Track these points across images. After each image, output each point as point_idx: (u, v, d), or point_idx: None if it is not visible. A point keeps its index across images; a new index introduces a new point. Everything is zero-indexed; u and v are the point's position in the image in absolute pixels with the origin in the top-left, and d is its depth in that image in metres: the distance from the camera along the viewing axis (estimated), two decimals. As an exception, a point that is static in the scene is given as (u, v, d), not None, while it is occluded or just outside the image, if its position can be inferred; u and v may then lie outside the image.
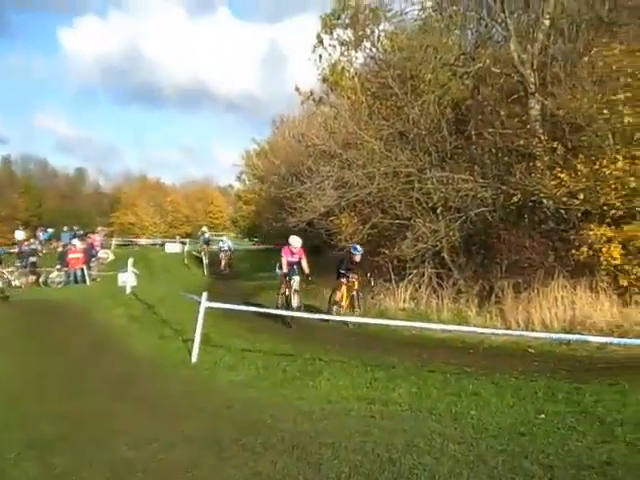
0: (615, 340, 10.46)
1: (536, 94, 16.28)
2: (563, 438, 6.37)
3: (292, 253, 16.76)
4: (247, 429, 7.09)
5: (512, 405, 7.88)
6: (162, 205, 74.05)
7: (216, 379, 10.43)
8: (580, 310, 13.49)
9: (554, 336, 11.64)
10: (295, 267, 16.93)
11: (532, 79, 16.43)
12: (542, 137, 15.59)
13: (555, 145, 15.08)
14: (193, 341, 11.85)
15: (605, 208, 13.91)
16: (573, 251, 14.31)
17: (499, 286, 15.14)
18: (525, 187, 15.43)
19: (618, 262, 13.54)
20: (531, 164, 15.78)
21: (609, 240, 13.57)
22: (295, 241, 16.86)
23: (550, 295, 14.14)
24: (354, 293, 17.17)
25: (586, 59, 15.06)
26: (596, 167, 13.93)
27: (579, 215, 14.63)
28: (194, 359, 11.61)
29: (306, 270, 16.81)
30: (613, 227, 13.77)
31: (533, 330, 13.33)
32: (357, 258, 16.97)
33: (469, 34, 20.40)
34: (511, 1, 17.60)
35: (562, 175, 14.43)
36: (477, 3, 19.22)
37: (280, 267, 16.87)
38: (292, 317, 15.03)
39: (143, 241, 58.70)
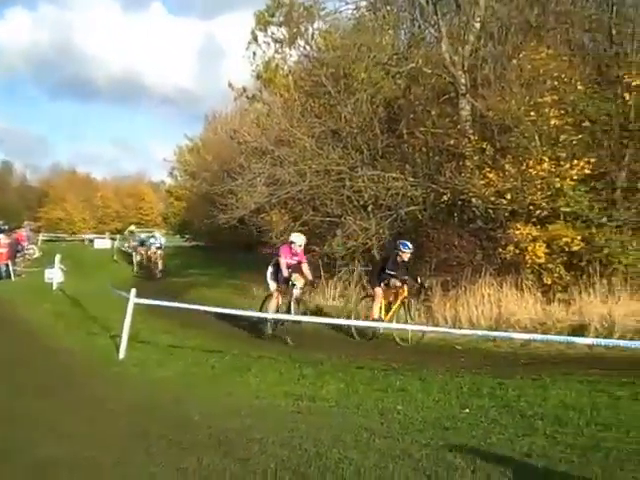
0: (538, 337, 10.70)
1: (467, 95, 16.57)
2: (486, 431, 6.47)
3: (292, 254, 13.97)
4: (175, 426, 6.99)
5: (438, 400, 7.97)
6: (92, 200, 72.51)
7: (144, 376, 10.25)
8: (506, 307, 13.73)
9: (480, 333, 11.84)
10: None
11: (463, 80, 16.71)
12: (472, 137, 15.87)
13: (484, 145, 15.38)
14: (121, 337, 11.64)
15: (531, 208, 14.23)
16: (500, 250, 14.60)
17: (428, 284, 15.31)
18: (455, 186, 15.67)
19: (542, 261, 13.84)
20: (461, 163, 16.09)
21: (534, 239, 13.86)
22: (299, 239, 14.12)
23: (477, 293, 14.38)
24: (405, 301, 13.86)
25: (515, 62, 15.44)
26: (523, 168, 14.23)
27: (506, 214, 14.92)
28: (122, 355, 11.40)
29: (308, 276, 14.01)
30: (538, 226, 14.09)
31: (460, 327, 13.50)
32: (406, 257, 13.90)
33: (402, 34, 20.70)
34: (443, 3, 17.93)
35: (491, 175, 14.68)
36: (410, 4, 19.49)
37: (276, 273, 14.05)
38: (286, 330, 13.36)
39: (73, 237, 57.51)
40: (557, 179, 13.74)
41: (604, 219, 13.84)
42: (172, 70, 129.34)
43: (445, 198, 16.09)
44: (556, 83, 14.34)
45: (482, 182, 14.84)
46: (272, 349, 11.92)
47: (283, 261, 13.79)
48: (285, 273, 13.70)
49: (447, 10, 18.30)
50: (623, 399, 7.45)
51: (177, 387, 9.38)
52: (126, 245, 39.39)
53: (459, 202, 16.22)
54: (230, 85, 22.61)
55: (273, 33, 20.79)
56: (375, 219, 17.79)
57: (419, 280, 14.10)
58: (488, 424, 6.75)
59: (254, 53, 20.96)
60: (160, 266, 31.15)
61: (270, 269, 14.27)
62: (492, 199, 14.75)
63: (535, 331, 12.39)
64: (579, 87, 14.19)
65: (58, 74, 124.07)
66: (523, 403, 7.45)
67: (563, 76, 14.28)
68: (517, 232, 14.06)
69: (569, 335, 11.45)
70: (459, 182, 15.52)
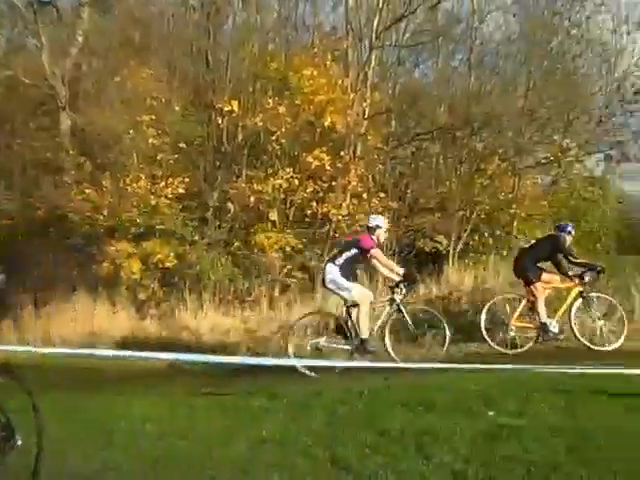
0: (124, 353, 10.73)
1: (67, 109, 16.23)
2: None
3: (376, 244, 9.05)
4: None
5: None
6: None
7: None
8: (99, 324, 13.63)
9: (69, 351, 11.55)
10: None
11: (63, 93, 16.36)
12: (71, 152, 15.66)
13: (83, 160, 15.26)
14: None
15: (127, 224, 14.38)
16: (95, 266, 14.49)
17: (17, 300, 14.55)
18: (52, 201, 15.24)
19: (137, 277, 14.05)
20: (58, 178, 15.67)
21: (130, 256, 14.03)
22: (384, 222, 9.35)
23: (70, 310, 14.08)
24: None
25: (117, 79, 15.50)
26: (121, 184, 14.36)
27: (103, 230, 14.89)
28: None
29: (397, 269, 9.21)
30: (134, 243, 14.28)
31: (54, 345, 13.04)
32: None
33: (2, 41, 19.59)
34: (45, 12, 17.36)
35: (88, 191, 14.60)
36: (10, 9, 18.57)
37: (350, 273, 8.91)
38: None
39: None
40: (153, 197, 14.08)
41: (197, 237, 14.52)
42: None
43: (41, 213, 15.58)
44: (155, 103, 14.75)
45: (79, 197, 14.68)
46: None
47: (378, 252, 8.99)
48: (396, 275, 8.99)
49: (49, 20, 17.77)
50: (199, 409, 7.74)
51: None
52: None
53: (56, 217, 15.79)
54: None
55: None
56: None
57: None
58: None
59: None
60: None
61: (334, 268, 8.84)
62: (89, 215, 14.63)
63: (129, 347, 12.43)
64: (176, 108, 14.78)
65: None
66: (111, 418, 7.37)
67: (161, 97, 14.75)
68: (112, 248, 14.10)
69: (160, 350, 11.66)
70: (56, 197, 15.13)
